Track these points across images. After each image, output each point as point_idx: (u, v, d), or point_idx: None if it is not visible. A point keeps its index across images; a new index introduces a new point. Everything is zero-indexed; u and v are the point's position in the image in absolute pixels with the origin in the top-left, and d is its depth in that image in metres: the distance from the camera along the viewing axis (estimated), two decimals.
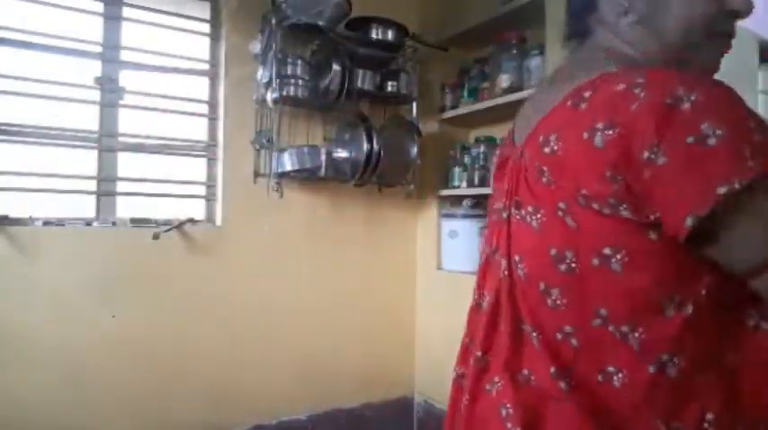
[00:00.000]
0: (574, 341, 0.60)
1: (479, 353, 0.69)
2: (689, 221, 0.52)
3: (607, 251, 0.57)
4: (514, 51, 2.17)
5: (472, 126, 2.62)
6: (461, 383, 0.74)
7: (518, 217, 0.66)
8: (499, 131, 2.43)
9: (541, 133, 0.64)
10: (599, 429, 0.58)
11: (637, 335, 0.57)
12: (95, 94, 2.00)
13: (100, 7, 2.00)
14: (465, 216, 2.36)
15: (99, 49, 2.00)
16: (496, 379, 0.66)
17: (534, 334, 0.63)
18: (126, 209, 2.05)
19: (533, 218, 0.63)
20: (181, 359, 2.03)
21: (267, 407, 2.20)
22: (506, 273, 0.67)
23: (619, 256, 0.57)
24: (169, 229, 1.98)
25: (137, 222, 2.01)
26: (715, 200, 0.50)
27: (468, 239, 2.34)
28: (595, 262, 0.58)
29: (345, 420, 2.36)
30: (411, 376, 2.59)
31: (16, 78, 1.83)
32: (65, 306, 1.83)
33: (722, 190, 0.50)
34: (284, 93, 2.07)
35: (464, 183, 2.39)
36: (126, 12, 2.05)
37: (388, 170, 2.22)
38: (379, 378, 2.48)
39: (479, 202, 2.40)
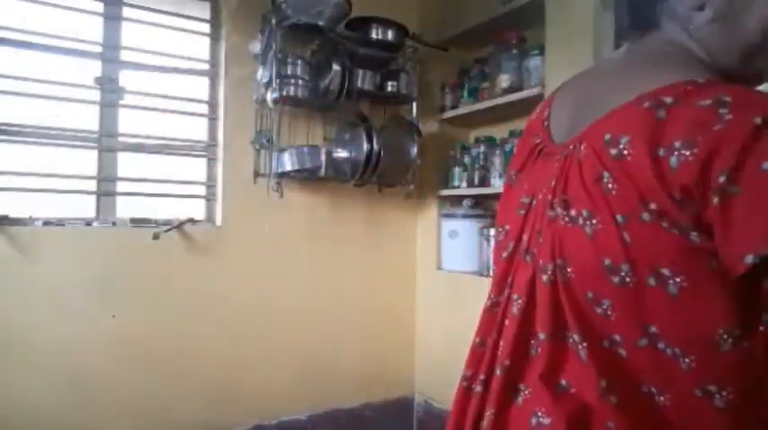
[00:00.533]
0: (622, 351, 0.56)
1: (508, 363, 0.63)
2: (749, 259, 0.47)
3: (665, 272, 0.53)
4: (514, 51, 2.17)
5: (472, 126, 2.62)
6: (471, 387, 0.69)
7: (566, 218, 0.60)
8: (499, 131, 2.43)
9: (609, 131, 0.57)
10: None
11: (687, 361, 0.54)
12: (95, 94, 2.00)
13: (100, 7, 2.00)
14: (465, 216, 2.36)
15: (99, 49, 2.00)
16: (523, 387, 0.62)
17: (582, 344, 0.57)
18: (126, 209, 2.05)
19: (588, 223, 0.57)
20: (181, 359, 2.03)
21: (267, 407, 2.20)
22: (552, 278, 0.61)
23: (678, 280, 0.52)
24: (169, 229, 1.98)
25: (137, 222, 2.01)
26: None
27: (468, 239, 2.33)
28: (651, 281, 0.53)
29: (345, 420, 2.36)
30: (411, 376, 2.59)
31: (16, 78, 1.84)
32: (65, 306, 1.83)
33: None
34: (284, 93, 2.07)
35: (464, 183, 2.39)
36: (126, 12, 2.05)
37: (388, 170, 2.22)
38: (379, 378, 2.48)
39: (479, 202, 2.40)
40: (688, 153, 0.50)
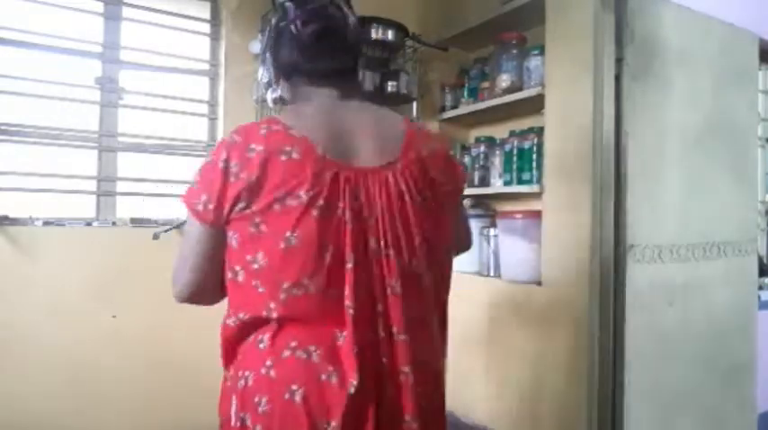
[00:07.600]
0: None
1: None
2: None
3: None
4: (514, 51, 2.17)
5: (472, 126, 2.62)
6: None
7: None
8: (499, 131, 2.43)
9: None
10: None
11: None
12: (95, 94, 2.00)
13: (100, 7, 2.00)
14: None
15: (99, 49, 2.00)
16: None
17: None
18: (126, 209, 2.05)
19: None
20: (181, 359, 2.03)
21: None
22: None
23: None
24: (169, 229, 1.98)
25: (137, 222, 2.01)
26: None
27: None
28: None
29: None
30: None
31: (16, 78, 1.84)
32: (65, 306, 1.83)
33: None
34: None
35: None
36: (126, 12, 2.05)
37: None
38: None
39: (479, 202, 2.40)
40: None
